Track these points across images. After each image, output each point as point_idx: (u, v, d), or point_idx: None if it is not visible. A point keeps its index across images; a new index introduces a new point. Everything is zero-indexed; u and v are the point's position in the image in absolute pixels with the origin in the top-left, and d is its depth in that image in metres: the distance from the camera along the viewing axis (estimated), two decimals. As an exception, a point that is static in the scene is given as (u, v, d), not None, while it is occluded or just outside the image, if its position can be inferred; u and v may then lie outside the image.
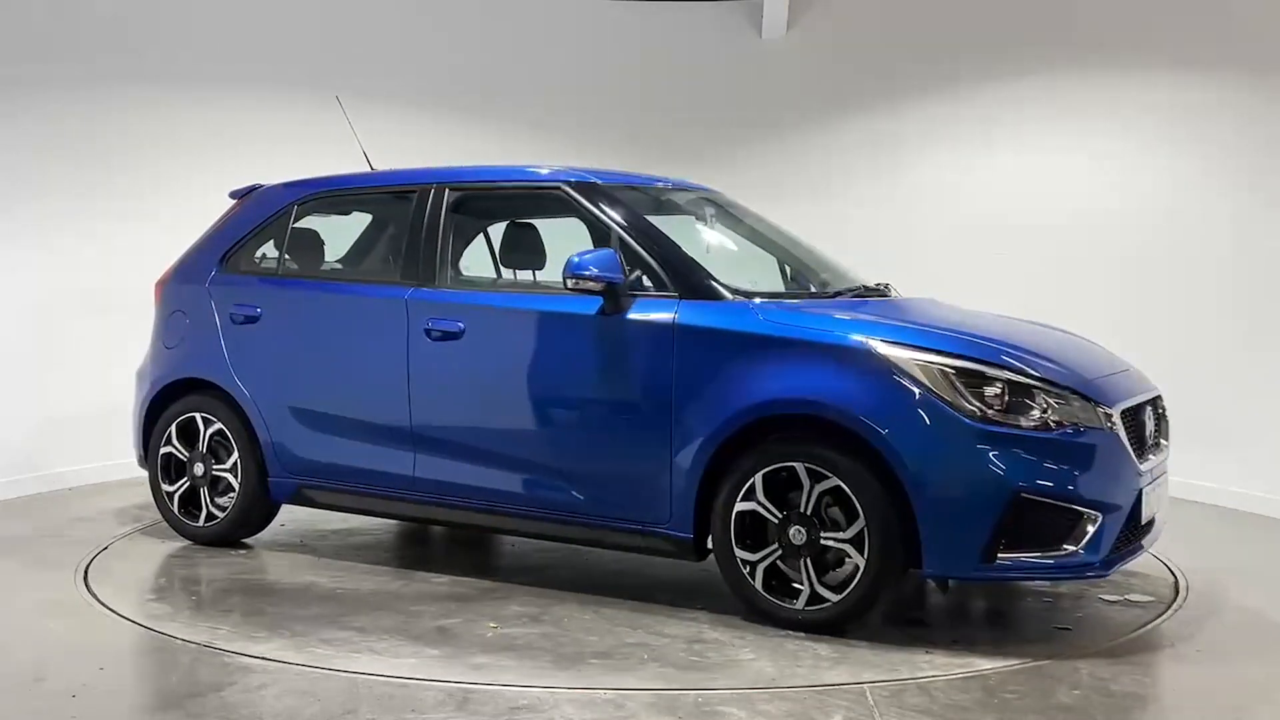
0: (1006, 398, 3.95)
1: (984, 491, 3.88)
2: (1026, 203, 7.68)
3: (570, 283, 4.35)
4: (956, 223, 7.80)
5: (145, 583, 4.79)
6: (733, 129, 8.35)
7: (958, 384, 3.95)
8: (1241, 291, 6.85)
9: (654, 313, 4.36)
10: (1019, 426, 3.92)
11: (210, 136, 7.36)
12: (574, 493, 4.51)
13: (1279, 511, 6.44)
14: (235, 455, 5.25)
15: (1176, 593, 4.79)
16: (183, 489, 5.39)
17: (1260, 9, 6.79)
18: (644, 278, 4.47)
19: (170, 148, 7.27)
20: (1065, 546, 3.93)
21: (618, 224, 4.62)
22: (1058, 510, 3.92)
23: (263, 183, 5.62)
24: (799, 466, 4.09)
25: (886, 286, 4.93)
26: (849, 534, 4.01)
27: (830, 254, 5.26)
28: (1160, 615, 4.47)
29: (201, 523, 5.36)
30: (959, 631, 4.29)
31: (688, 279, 4.40)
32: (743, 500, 4.17)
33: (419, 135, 7.89)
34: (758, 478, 4.15)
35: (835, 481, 4.02)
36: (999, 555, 3.89)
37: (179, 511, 5.40)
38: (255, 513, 5.31)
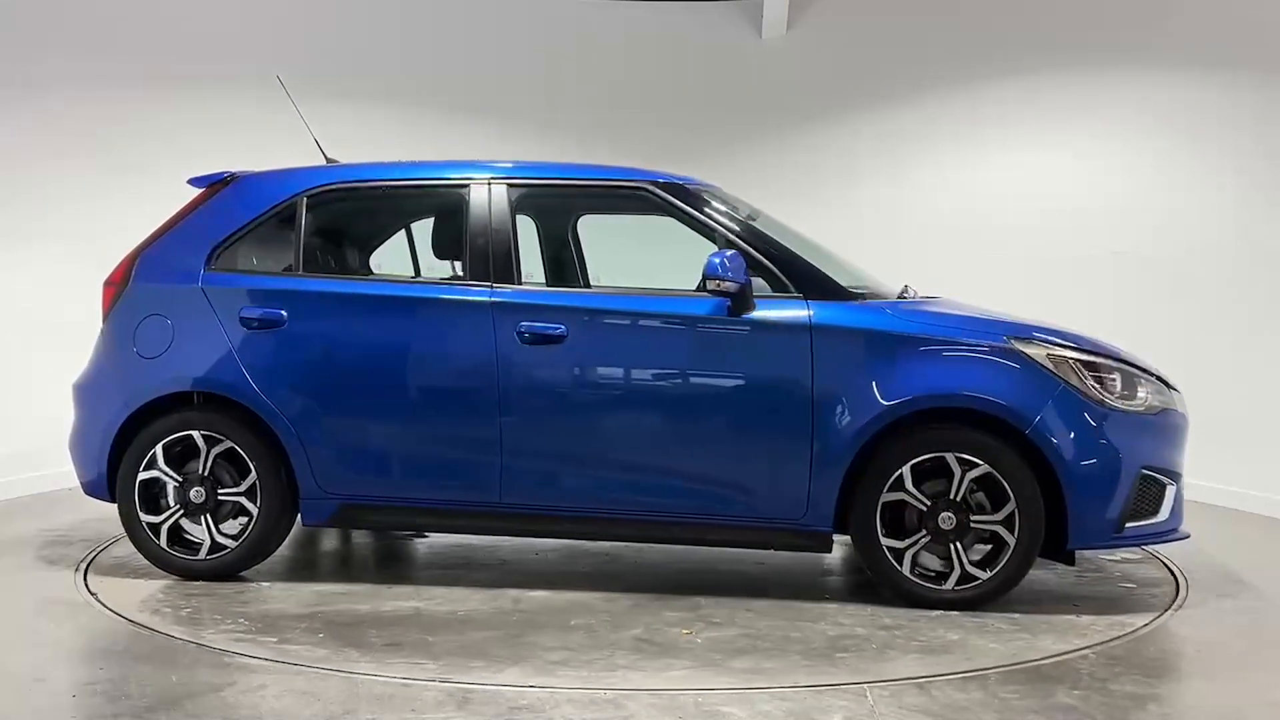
0: (1121, 386, 4.46)
1: (1118, 469, 4.38)
2: (1027, 202, 7.68)
3: (712, 284, 4.39)
4: (956, 221, 7.80)
5: (145, 583, 4.78)
6: (732, 128, 8.36)
7: (1086, 375, 4.42)
8: (1242, 291, 6.85)
9: (785, 313, 4.46)
10: (1135, 411, 4.45)
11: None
12: (701, 495, 4.53)
13: (1279, 511, 6.44)
14: (253, 476, 4.73)
15: (1177, 592, 4.79)
16: (172, 519, 4.79)
17: (1260, 8, 6.79)
18: (757, 278, 4.54)
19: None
20: (1160, 514, 4.51)
21: (725, 226, 4.67)
22: (1155, 482, 4.49)
23: (233, 170, 5.08)
24: (949, 456, 4.36)
25: (905, 288, 4.96)
26: (1000, 516, 4.36)
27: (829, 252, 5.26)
28: (1160, 615, 4.47)
29: (204, 555, 4.77)
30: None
31: (812, 280, 4.53)
32: (889, 491, 4.39)
33: (418, 136, 7.90)
34: (906, 469, 4.38)
35: (985, 469, 4.35)
36: (1125, 526, 4.42)
37: (168, 545, 4.80)
38: (274, 539, 4.84)
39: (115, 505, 4.87)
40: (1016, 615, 4.40)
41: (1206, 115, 7.03)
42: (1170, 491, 4.54)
